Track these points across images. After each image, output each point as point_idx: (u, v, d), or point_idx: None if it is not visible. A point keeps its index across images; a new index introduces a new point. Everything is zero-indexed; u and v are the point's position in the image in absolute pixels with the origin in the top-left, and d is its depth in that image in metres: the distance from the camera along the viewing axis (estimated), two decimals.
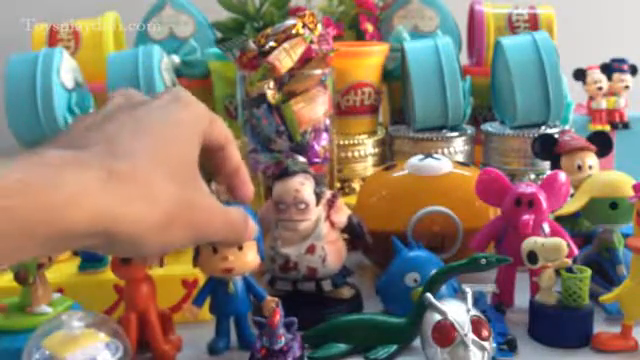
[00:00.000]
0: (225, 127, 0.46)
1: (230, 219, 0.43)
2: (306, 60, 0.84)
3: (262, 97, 0.83)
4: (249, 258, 0.67)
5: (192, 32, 1.12)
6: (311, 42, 0.83)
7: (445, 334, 0.59)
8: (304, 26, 0.83)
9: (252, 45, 0.83)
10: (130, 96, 0.43)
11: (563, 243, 0.69)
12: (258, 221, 0.67)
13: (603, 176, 0.80)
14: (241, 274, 0.68)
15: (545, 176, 0.81)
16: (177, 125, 0.41)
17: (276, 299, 0.64)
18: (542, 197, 0.74)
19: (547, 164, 0.91)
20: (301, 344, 0.64)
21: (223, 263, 0.66)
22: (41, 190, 0.34)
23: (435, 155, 0.87)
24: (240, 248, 0.66)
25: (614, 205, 0.76)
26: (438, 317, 0.60)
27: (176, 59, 1.09)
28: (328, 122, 0.87)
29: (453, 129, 1.00)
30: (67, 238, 0.35)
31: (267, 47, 0.82)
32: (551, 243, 0.70)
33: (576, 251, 0.74)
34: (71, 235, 0.35)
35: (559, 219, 0.79)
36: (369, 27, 1.12)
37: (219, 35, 1.15)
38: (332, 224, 0.74)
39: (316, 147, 0.86)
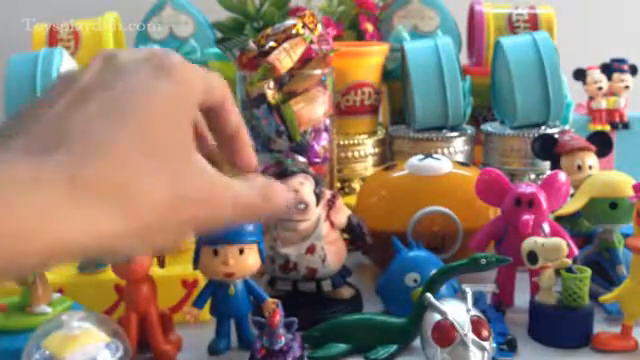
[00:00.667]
0: (222, 84, 0.38)
1: (241, 202, 0.36)
2: (306, 60, 0.84)
3: (262, 97, 0.83)
4: (250, 262, 0.67)
5: (192, 32, 1.12)
6: (311, 42, 0.83)
7: (445, 334, 0.59)
8: (304, 26, 0.83)
9: (252, 45, 0.83)
10: (110, 63, 0.35)
11: (563, 243, 0.69)
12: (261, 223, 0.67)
13: (603, 176, 0.80)
14: (242, 278, 0.68)
15: (545, 176, 0.81)
16: (164, 104, 0.33)
17: (277, 301, 0.64)
18: (542, 197, 0.74)
19: (547, 164, 0.91)
20: (301, 344, 0.64)
21: (224, 267, 0.66)
22: None
23: (435, 155, 0.87)
24: (241, 252, 0.66)
25: (614, 205, 0.76)
26: (438, 317, 0.60)
27: None
28: (328, 122, 0.87)
29: (453, 129, 0.99)
30: (20, 269, 0.30)
31: (267, 47, 0.82)
32: (551, 243, 0.70)
33: (576, 251, 0.74)
34: (25, 266, 0.29)
35: (559, 219, 0.79)
36: (369, 27, 1.12)
37: (219, 35, 1.15)
38: (332, 224, 0.74)
39: (316, 147, 0.86)
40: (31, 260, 0.29)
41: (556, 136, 0.88)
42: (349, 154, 1.01)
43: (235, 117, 0.39)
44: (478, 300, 0.71)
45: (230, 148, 0.40)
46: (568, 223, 0.82)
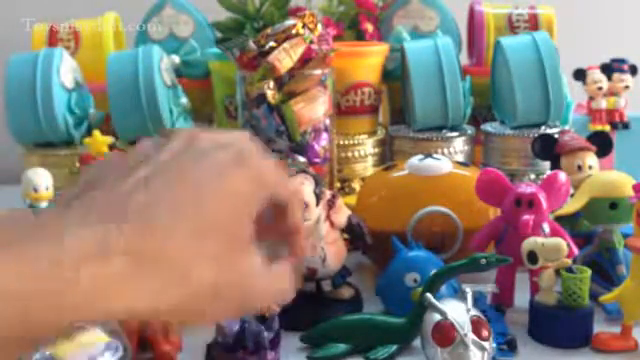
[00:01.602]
0: (290, 185, 0.41)
1: (278, 289, 0.39)
2: (306, 60, 0.84)
3: (262, 97, 0.83)
4: None
5: (192, 32, 1.12)
6: (311, 42, 0.83)
7: (445, 334, 0.59)
8: (304, 26, 0.83)
9: (252, 45, 0.83)
10: (191, 144, 0.36)
11: (563, 243, 0.69)
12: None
13: (603, 176, 0.80)
14: None
15: (545, 176, 0.81)
16: (233, 196, 0.35)
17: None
18: (542, 197, 0.74)
19: (547, 164, 0.91)
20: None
21: None
22: (51, 292, 0.29)
23: (435, 155, 0.87)
24: None
25: (614, 205, 0.76)
26: (438, 317, 0.60)
27: (176, 59, 1.09)
28: (328, 122, 0.87)
29: (453, 129, 0.99)
30: (75, 330, 0.31)
31: (267, 47, 0.82)
32: (551, 243, 0.70)
33: (576, 251, 0.74)
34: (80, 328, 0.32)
35: (559, 219, 0.79)
36: (369, 27, 1.12)
37: (219, 35, 1.15)
38: (332, 224, 0.74)
39: (316, 147, 0.86)
40: (88, 323, 0.31)
41: (556, 136, 0.88)
42: (349, 154, 1.01)
43: (295, 221, 0.41)
44: (478, 300, 0.71)
45: (285, 239, 0.42)
46: (568, 223, 0.82)
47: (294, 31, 0.83)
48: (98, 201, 0.33)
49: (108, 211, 0.32)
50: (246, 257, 0.36)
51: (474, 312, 0.60)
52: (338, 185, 0.99)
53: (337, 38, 1.07)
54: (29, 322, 0.29)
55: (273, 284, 0.38)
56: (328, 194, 0.74)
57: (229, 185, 0.35)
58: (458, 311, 0.60)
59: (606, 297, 0.70)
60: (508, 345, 0.68)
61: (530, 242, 0.71)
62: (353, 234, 0.76)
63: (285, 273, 0.39)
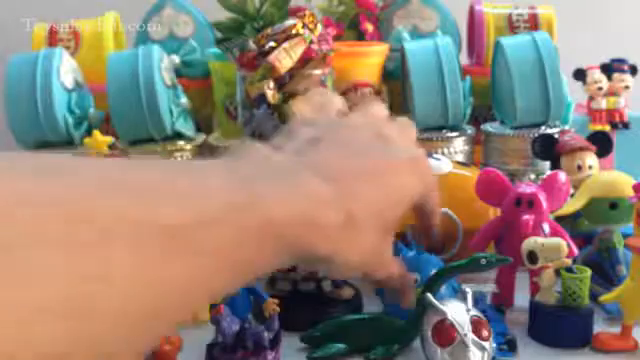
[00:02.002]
0: (437, 194, 0.53)
1: (395, 271, 0.52)
2: (306, 60, 0.84)
3: (262, 97, 0.83)
4: None
5: (192, 32, 1.12)
6: (311, 42, 0.83)
7: (445, 334, 0.59)
8: (304, 26, 0.83)
9: (252, 45, 0.83)
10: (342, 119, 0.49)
11: (563, 243, 0.69)
12: None
13: (603, 176, 0.80)
14: None
15: (545, 176, 0.81)
16: (399, 190, 0.45)
17: (277, 300, 0.64)
18: (542, 197, 0.74)
19: (547, 164, 0.91)
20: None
21: None
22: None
23: (435, 155, 0.87)
24: None
25: (614, 205, 0.76)
26: (438, 317, 0.60)
27: (176, 59, 1.09)
28: None
29: (453, 129, 0.99)
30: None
31: (267, 47, 0.82)
32: (551, 243, 0.70)
33: (576, 251, 0.74)
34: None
35: (559, 219, 0.79)
36: (369, 27, 1.12)
37: (219, 35, 1.15)
38: None
39: None
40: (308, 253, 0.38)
41: (556, 136, 0.88)
42: None
43: (433, 222, 0.56)
44: (478, 300, 0.71)
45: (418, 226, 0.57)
46: (568, 223, 0.82)
47: (294, 31, 0.83)
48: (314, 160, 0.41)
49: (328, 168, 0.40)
50: (389, 240, 0.48)
51: (474, 312, 0.60)
52: None
53: (337, 38, 1.07)
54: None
55: (394, 268, 0.51)
56: None
57: (398, 180, 0.44)
58: (458, 311, 0.60)
59: (606, 297, 0.70)
60: (508, 345, 0.68)
61: (530, 242, 0.71)
62: None
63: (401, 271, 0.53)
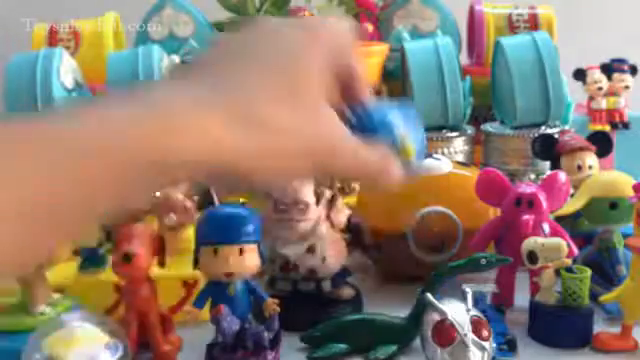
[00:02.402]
0: (360, 62, 0.45)
1: (361, 156, 0.39)
2: None
3: None
4: (250, 262, 0.66)
5: (192, 32, 1.12)
6: None
7: (445, 334, 0.59)
8: None
9: None
10: (260, 28, 0.42)
11: (563, 243, 0.69)
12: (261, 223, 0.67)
13: (603, 176, 0.80)
14: (241, 278, 0.68)
15: (545, 176, 0.81)
16: (291, 48, 0.39)
17: (277, 300, 0.64)
18: (542, 197, 0.74)
19: (547, 164, 0.91)
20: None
21: (223, 267, 0.66)
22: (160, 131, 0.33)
23: (435, 155, 0.87)
24: (241, 252, 0.66)
25: (614, 205, 0.76)
26: (438, 317, 0.60)
27: (176, 59, 1.09)
28: None
29: (453, 129, 0.99)
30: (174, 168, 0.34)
31: None
32: (551, 243, 0.70)
33: (576, 251, 0.74)
34: (174, 167, 0.34)
35: (559, 219, 0.79)
36: (369, 27, 1.12)
37: None
38: (332, 224, 0.74)
39: None
40: (178, 159, 0.33)
41: (556, 136, 0.88)
42: None
43: (361, 86, 0.46)
44: (478, 300, 0.71)
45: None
46: (568, 223, 0.82)
47: None
48: (190, 75, 0.39)
49: (197, 81, 0.37)
50: (325, 114, 0.38)
51: (474, 312, 0.60)
52: (338, 185, 0.99)
53: None
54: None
55: (357, 153, 0.39)
56: (328, 194, 0.74)
57: (304, 63, 0.38)
58: (458, 311, 0.60)
59: (606, 297, 0.70)
60: (508, 345, 0.68)
61: (530, 242, 0.71)
62: (353, 234, 0.76)
63: (373, 150, 0.40)
